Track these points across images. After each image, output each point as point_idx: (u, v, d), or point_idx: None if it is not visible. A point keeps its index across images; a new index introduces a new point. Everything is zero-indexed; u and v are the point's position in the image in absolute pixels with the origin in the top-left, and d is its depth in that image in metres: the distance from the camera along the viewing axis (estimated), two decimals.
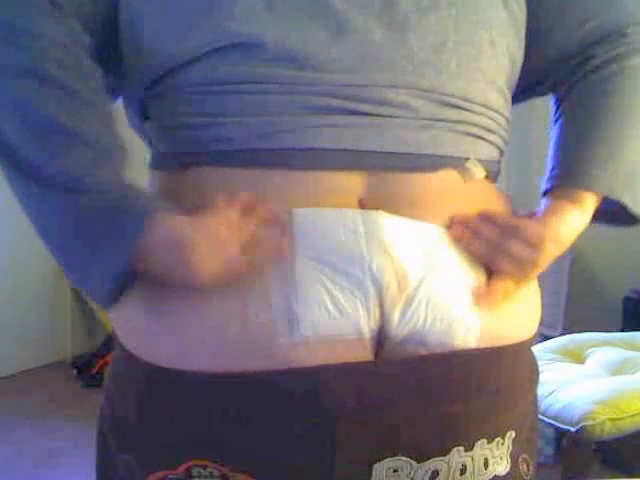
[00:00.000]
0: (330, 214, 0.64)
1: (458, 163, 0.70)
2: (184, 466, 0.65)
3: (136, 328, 0.68)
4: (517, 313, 0.72)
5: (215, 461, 0.65)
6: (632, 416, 1.81)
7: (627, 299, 2.73)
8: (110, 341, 3.53)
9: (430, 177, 0.68)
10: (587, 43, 0.79)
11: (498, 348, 0.69)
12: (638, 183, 0.76)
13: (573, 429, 1.78)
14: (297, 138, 0.65)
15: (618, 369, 2.09)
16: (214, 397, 0.64)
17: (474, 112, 0.71)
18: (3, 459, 2.66)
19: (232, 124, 0.65)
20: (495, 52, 0.72)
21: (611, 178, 0.74)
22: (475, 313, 0.67)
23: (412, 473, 0.65)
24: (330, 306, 0.62)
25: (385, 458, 0.64)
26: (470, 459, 0.67)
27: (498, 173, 0.78)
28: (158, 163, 0.73)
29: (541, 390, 1.93)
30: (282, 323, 0.61)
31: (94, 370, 3.47)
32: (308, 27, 0.65)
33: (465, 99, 0.70)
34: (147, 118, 0.73)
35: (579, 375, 2.04)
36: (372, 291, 0.63)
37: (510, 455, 0.71)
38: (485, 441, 0.68)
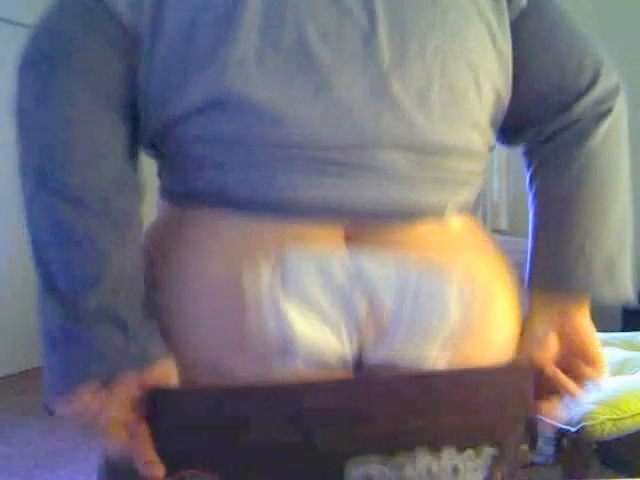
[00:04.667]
0: (317, 259, 0.69)
1: (437, 212, 0.74)
2: (178, 475, 0.68)
3: None
4: (490, 342, 0.74)
5: (206, 469, 0.68)
6: (632, 416, 1.81)
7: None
8: None
9: (410, 226, 0.72)
10: (560, 90, 0.79)
11: (467, 371, 0.72)
12: (619, 264, 0.78)
13: (573, 429, 1.79)
14: (286, 192, 0.69)
15: (618, 369, 2.09)
16: (207, 412, 0.68)
17: (453, 166, 0.74)
18: (3, 459, 2.66)
19: (228, 176, 0.70)
20: (480, 93, 0.74)
21: (589, 275, 0.77)
22: (446, 347, 0.71)
23: (384, 478, 0.69)
24: (320, 341, 0.68)
25: (356, 457, 0.68)
26: (437, 463, 0.70)
27: (477, 206, 0.81)
28: (163, 194, 0.79)
29: None
30: (277, 355, 0.68)
31: None
32: (295, 82, 0.69)
33: (446, 148, 0.73)
34: (156, 152, 0.77)
35: None
36: (353, 327, 0.69)
37: (488, 468, 0.73)
38: (454, 450, 0.70)
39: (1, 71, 3.39)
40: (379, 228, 0.71)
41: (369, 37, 0.70)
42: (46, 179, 0.67)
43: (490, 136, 0.78)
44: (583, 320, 0.79)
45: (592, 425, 1.76)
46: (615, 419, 1.78)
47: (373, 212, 0.71)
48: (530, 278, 0.80)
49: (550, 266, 0.79)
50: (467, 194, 0.77)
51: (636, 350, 2.24)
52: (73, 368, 0.66)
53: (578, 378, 0.79)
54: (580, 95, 0.78)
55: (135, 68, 0.71)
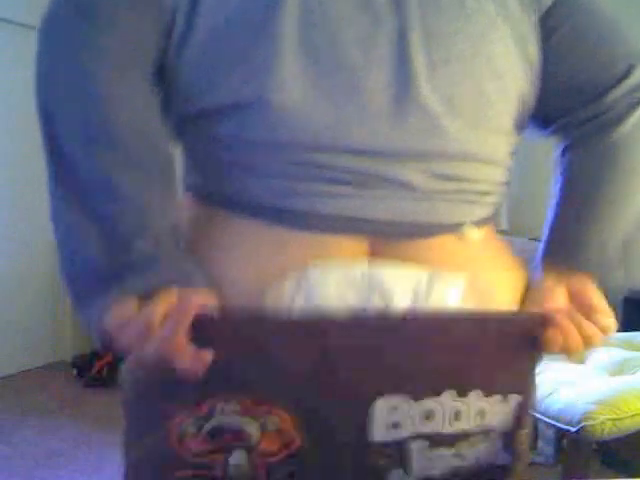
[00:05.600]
0: (339, 273, 0.70)
1: (455, 228, 0.75)
2: (206, 405, 0.69)
3: None
4: None
5: (238, 394, 0.69)
6: (632, 416, 1.81)
7: (627, 299, 2.73)
8: None
9: (427, 242, 0.74)
10: (592, 82, 0.79)
11: (489, 314, 0.74)
12: (636, 249, 0.79)
13: (573, 429, 1.79)
14: (309, 203, 0.70)
15: (618, 369, 2.09)
16: (238, 341, 0.69)
17: (472, 180, 0.75)
18: (3, 459, 2.66)
19: (252, 181, 0.71)
20: (506, 97, 0.74)
21: (602, 256, 0.78)
22: None
23: (410, 411, 0.70)
24: None
25: (384, 395, 0.70)
26: (465, 405, 0.72)
27: (497, 214, 0.81)
28: (188, 188, 0.79)
29: (541, 390, 1.93)
30: None
31: (94, 370, 3.47)
32: (324, 83, 0.69)
33: (471, 155, 0.73)
34: (182, 143, 0.77)
35: (579, 375, 2.04)
36: None
37: (516, 417, 0.75)
38: (481, 392, 0.72)
39: (1, 71, 3.39)
40: (399, 241, 0.73)
41: (400, 42, 0.70)
42: (96, 133, 0.68)
43: (514, 141, 0.79)
44: (591, 283, 0.79)
45: (592, 425, 1.76)
46: (615, 419, 1.78)
47: (393, 226, 0.72)
48: (544, 252, 0.81)
49: (565, 243, 0.80)
50: (484, 212, 0.77)
51: (636, 350, 2.24)
52: (116, 280, 0.67)
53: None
54: (612, 86, 0.77)
55: (168, 44, 0.71)
